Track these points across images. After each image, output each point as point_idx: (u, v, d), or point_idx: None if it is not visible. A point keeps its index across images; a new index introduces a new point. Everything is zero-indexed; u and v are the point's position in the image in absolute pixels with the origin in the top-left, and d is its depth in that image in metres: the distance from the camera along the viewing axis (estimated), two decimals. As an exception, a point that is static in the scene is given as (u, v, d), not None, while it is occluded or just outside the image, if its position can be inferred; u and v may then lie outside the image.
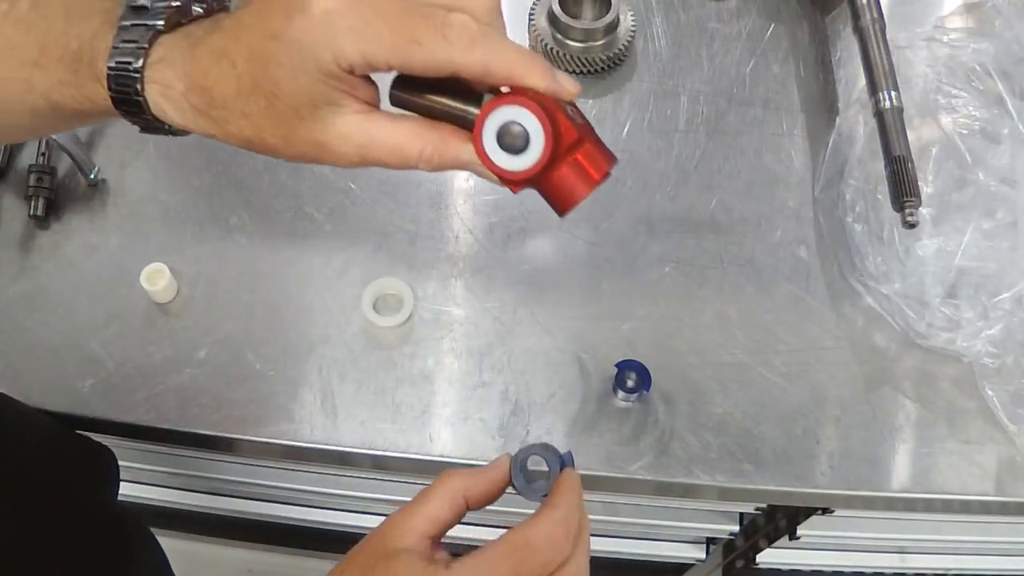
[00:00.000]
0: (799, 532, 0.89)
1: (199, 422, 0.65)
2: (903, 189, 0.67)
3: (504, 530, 0.44)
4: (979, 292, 0.68)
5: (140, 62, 0.43)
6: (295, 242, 0.73)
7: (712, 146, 0.79)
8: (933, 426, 0.67)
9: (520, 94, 0.41)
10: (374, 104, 0.44)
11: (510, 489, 0.49)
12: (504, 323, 0.70)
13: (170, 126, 0.46)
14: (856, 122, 0.76)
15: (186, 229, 0.73)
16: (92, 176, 0.74)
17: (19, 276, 0.70)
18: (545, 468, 0.49)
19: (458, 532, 0.47)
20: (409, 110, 0.44)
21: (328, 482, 0.98)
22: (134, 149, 0.77)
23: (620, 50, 0.81)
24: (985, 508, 0.66)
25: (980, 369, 0.68)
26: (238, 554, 1.29)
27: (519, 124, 0.41)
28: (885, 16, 0.77)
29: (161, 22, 0.44)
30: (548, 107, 0.41)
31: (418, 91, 0.43)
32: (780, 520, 0.91)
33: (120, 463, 0.75)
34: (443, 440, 0.65)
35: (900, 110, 0.72)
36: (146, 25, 0.44)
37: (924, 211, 0.69)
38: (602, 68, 0.81)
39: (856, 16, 0.77)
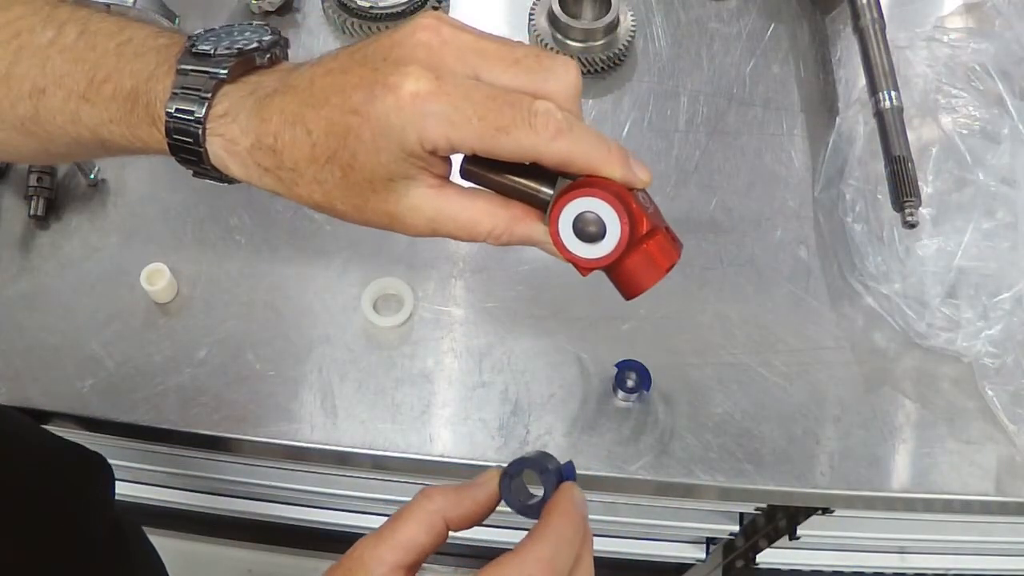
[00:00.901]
0: (799, 532, 0.89)
1: (199, 422, 0.65)
2: (903, 189, 0.67)
3: (512, 533, 0.41)
4: (979, 292, 0.68)
5: (203, 112, 0.42)
6: (295, 242, 0.73)
7: (712, 146, 0.79)
8: (933, 426, 0.67)
9: (596, 184, 0.41)
10: (447, 177, 0.43)
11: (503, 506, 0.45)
12: (504, 323, 0.70)
13: (226, 175, 0.44)
14: (856, 122, 0.76)
15: (186, 229, 0.73)
16: (92, 176, 0.74)
17: (19, 276, 0.70)
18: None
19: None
20: (480, 184, 0.44)
21: (328, 482, 0.98)
22: (134, 149, 0.77)
23: (620, 50, 0.81)
24: (985, 508, 0.66)
25: (980, 369, 0.68)
26: (238, 554, 1.29)
27: (595, 214, 0.41)
28: (885, 16, 0.77)
29: (225, 71, 0.42)
30: (623, 196, 0.41)
31: (491, 168, 0.43)
32: (780, 520, 0.90)
33: (120, 463, 0.76)
34: (443, 440, 0.65)
35: (900, 110, 0.72)
36: (208, 73, 0.42)
37: (924, 211, 0.69)
38: (602, 68, 0.81)
39: (856, 16, 0.77)
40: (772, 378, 0.68)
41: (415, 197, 0.42)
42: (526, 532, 0.42)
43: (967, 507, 0.66)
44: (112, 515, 0.72)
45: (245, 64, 0.43)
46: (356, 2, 0.82)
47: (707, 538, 1.09)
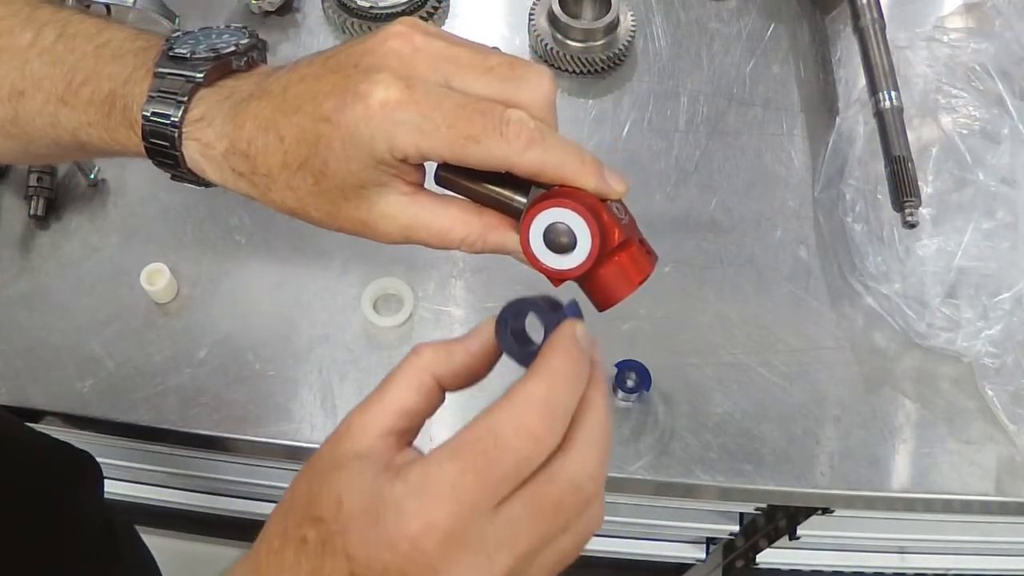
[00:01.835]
0: (799, 532, 0.89)
1: (199, 422, 0.65)
2: (903, 189, 0.67)
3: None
4: (979, 292, 0.68)
5: (179, 116, 0.42)
6: (295, 242, 0.73)
7: (712, 146, 0.79)
8: (933, 426, 0.67)
9: (568, 195, 0.40)
10: (420, 184, 0.43)
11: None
12: (504, 323, 0.70)
13: (203, 179, 0.44)
14: (856, 122, 0.76)
15: (186, 229, 0.73)
16: (92, 176, 0.74)
17: (19, 276, 0.70)
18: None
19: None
20: (454, 192, 0.44)
21: (328, 482, 0.98)
22: (134, 149, 0.77)
23: (620, 50, 0.81)
24: (985, 508, 0.66)
25: (980, 369, 0.68)
26: (238, 554, 1.28)
27: (566, 224, 0.40)
28: (885, 16, 0.77)
29: (201, 75, 0.42)
30: (595, 208, 0.41)
31: (465, 176, 0.43)
32: (780, 520, 0.90)
33: (120, 463, 0.75)
34: (442, 440, 0.65)
35: (900, 110, 0.72)
36: (185, 76, 0.42)
37: (924, 211, 0.69)
38: (602, 68, 0.81)
39: (856, 16, 0.77)
40: (772, 378, 0.68)
41: (387, 204, 0.42)
42: None
43: (967, 507, 0.66)
44: (102, 513, 0.72)
45: (222, 68, 0.43)
46: (356, 2, 0.82)
47: (707, 538, 1.09)
